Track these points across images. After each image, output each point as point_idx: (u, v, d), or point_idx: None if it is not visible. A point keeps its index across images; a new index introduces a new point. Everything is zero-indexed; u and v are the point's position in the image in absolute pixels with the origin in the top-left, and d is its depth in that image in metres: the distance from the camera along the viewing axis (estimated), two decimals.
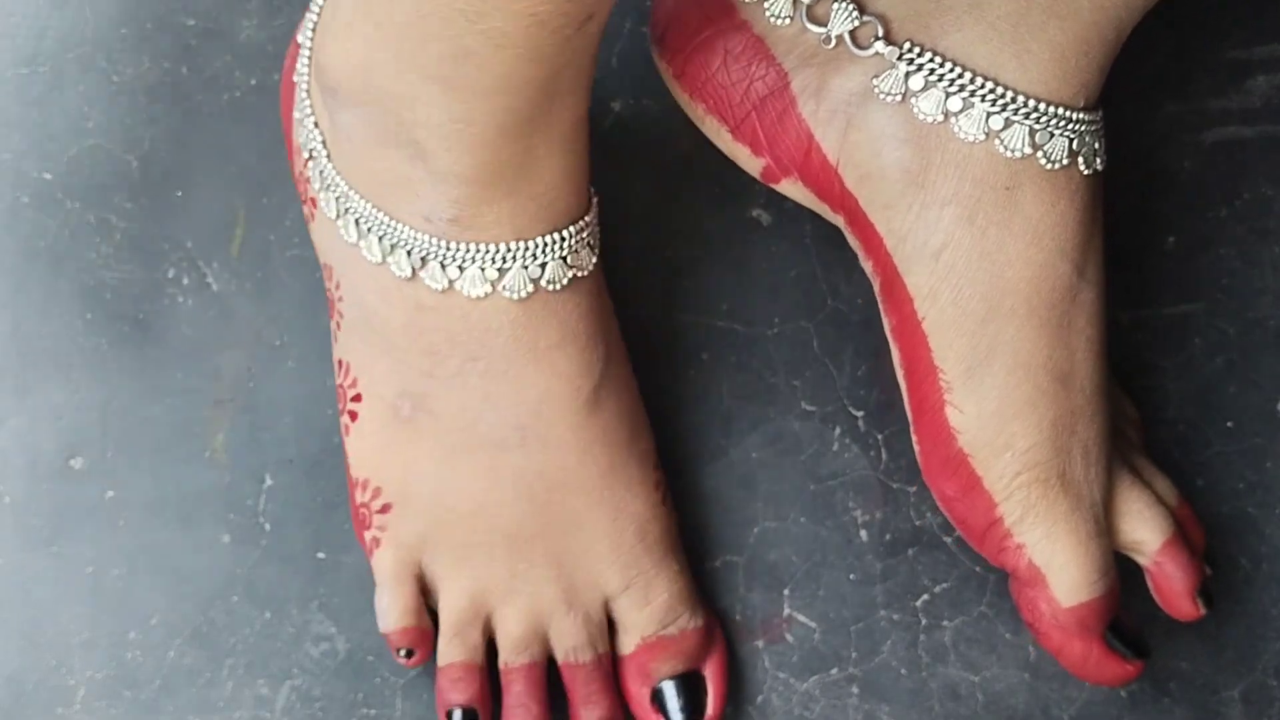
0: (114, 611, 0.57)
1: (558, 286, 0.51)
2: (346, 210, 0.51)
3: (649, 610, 0.54)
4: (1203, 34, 0.61)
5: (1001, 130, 0.50)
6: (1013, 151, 0.50)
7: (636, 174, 0.60)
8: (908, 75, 0.50)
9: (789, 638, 0.58)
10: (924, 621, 0.57)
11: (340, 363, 0.54)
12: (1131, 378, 0.59)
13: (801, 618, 0.58)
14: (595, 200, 0.53)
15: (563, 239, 0.51)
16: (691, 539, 0.58)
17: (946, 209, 0.50)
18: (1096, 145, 0.52)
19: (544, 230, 0.50)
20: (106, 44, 0.61)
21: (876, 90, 0.50)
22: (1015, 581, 0.53)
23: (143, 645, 0.57)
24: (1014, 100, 0.49)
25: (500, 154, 0.48)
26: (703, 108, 0.54)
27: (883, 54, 0.50)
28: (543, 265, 0.51)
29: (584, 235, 0.52)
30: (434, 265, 0.50)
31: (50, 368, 0.59)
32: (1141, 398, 0.59)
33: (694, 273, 0.60)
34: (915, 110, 0.50)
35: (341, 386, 0.54)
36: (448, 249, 0.50)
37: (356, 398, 0.54)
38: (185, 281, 0.60)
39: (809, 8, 0.51)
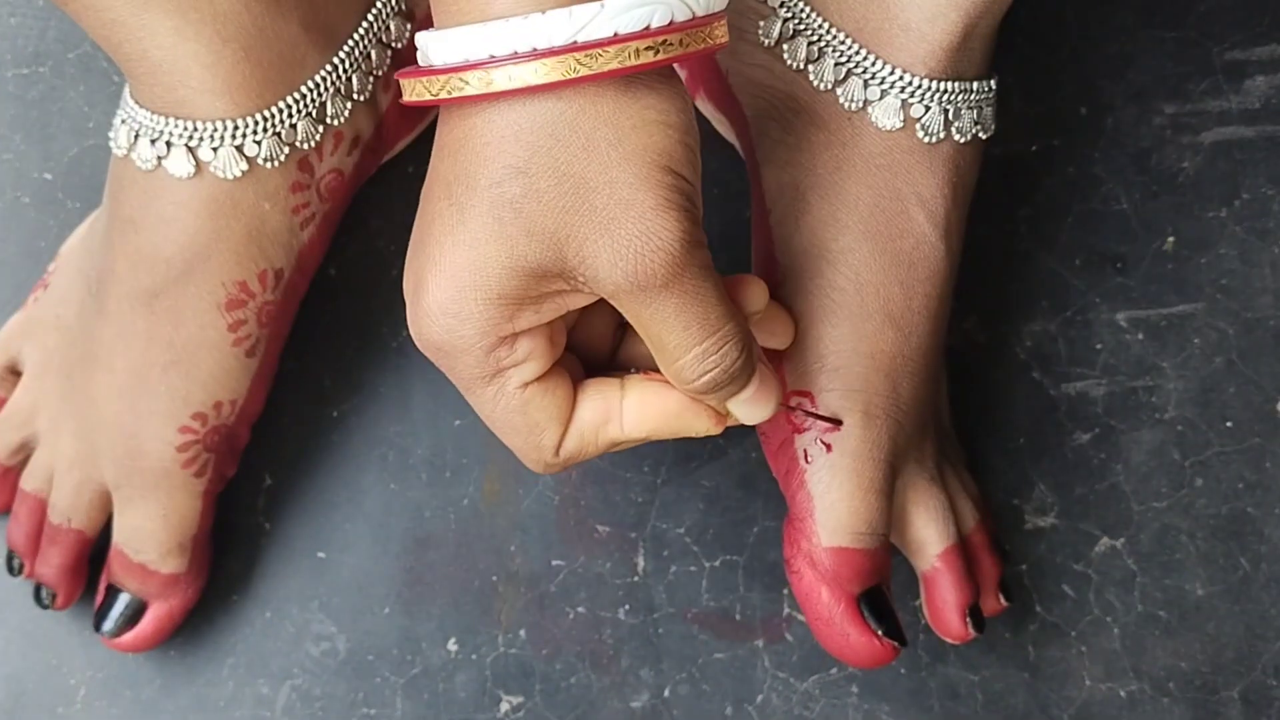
0: None
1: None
2: None
3: (122, 521, 0.54)
4: (1201, 35, 0.61)
5: (843, 80, 0.51)
6: (853, 103, 0.51)
7: None
8: (784, 21, 0.52)
9: (789, 637, 0.58)
10: (923, 621, 0.57)
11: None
12: (1131, 378, 0.59)
13: (801, 617, 0.58)
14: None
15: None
16: (692, 538, 0.58)
17: (799, 119, 0.52)
18: (948, 110, 0.51)
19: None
20: None
21: (760, 34, 0.53)
22: (788, 517, 0.52)
23: None
24: (865, 58, 0.51)
25: None
26: None
27: (769, 3, 0.53)
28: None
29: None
30: None
31: None
32: (1141, 398, 0.59)
33: None
34: (784, 55, 0.52)
35: None
36: None
37: None
38: None
39: None
